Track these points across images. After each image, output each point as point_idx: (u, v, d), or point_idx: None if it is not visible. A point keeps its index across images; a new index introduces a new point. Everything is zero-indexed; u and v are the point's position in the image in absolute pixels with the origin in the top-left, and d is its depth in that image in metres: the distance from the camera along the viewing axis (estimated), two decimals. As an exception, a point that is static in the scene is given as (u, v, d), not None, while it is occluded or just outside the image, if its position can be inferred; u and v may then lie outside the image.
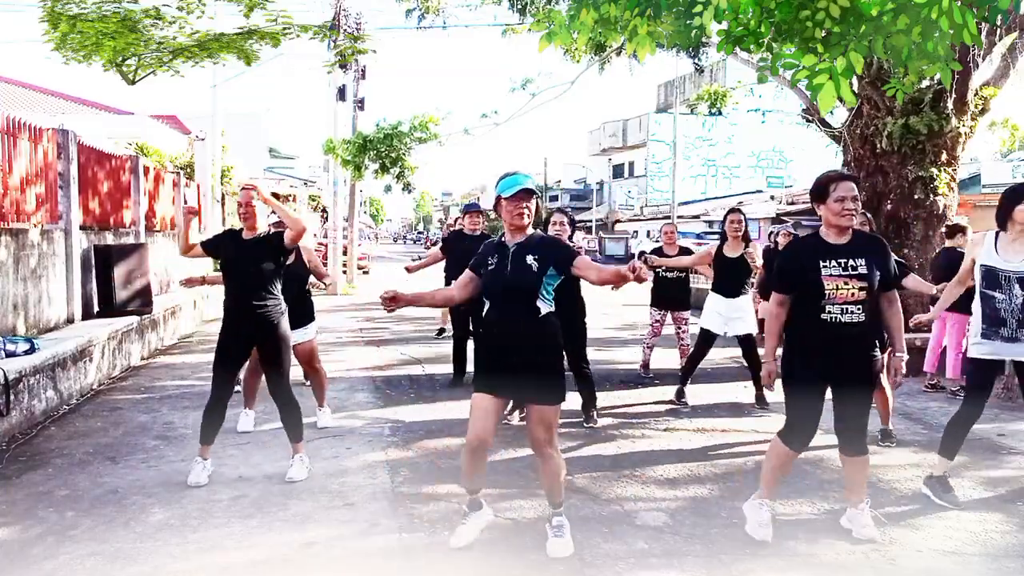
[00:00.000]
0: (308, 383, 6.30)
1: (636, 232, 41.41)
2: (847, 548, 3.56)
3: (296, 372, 6.10)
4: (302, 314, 5.64)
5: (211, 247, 4.66)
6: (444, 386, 7.18)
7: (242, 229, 4.58)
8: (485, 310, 3.52)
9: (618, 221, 46.87)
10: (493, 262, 3.47)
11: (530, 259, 3.38)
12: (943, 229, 7.87)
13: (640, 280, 3.13)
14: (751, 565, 3.37)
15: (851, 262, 3.52)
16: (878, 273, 3.54)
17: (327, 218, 22.14)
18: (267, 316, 4.42)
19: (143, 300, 8.52)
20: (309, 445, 5.12)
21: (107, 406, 6.29)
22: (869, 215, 5.56)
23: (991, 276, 4.16)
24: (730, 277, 6.59)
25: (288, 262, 5.57)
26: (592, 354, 9.36)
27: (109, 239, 9.16)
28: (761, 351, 4.19)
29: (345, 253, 20.13)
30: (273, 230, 4.76)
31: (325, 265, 6.11)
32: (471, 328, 7.27)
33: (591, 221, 48.84)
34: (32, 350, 5.88)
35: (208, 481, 4.36)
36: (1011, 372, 6.86)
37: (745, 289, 6.65)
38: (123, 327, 7.84)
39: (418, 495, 4.20)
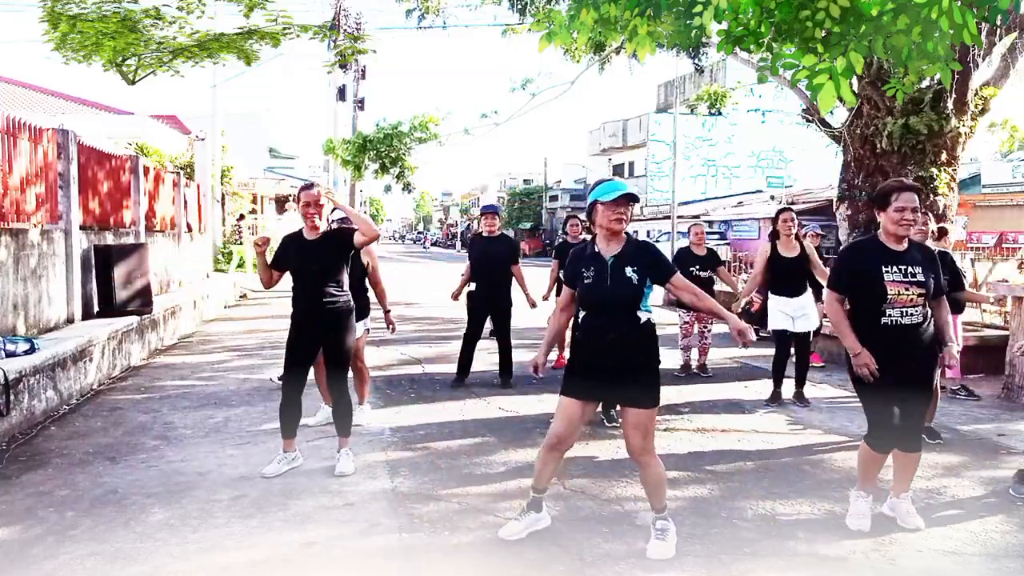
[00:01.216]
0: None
1: (636, 232, 41.42)
2: (847, 548, 3.56)
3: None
4: (356, 309, 5.69)
5: (283, 263, 4.64)
6: (445, 386, 7.18)
7: (301, 231, 4.59)
8: (583, 317, 3.54)
9: (618, 221, 46.80)
10: (590, 275, 3.44)
11: (629, 271, 3.38)
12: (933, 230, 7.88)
13: (746, 346, 3.40)
14: (751, 565, 3.37)
15: (911, 269, 3.66)
16: (932, 282, 3.71)
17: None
18: (336, 311, 4.51)
19: (143, 300, 8.52)
20: (309, 445, 5.13)
21: (107, 406, 6.29)
22: (929, 216, 5.73)
23: None
24: (791, 276, 6.57)
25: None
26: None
27: (109, 239, 9.15)
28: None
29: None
30: (338, 226, 4.84)
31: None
32: (483, 326, 7.33)
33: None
34: (32, 350, 5.88)
35: (283, 472, 4.54)
36: (1009, 373, 6.88)
37: (806, 286, 6.65)
38: (123, 327, 7.84)
39: (418, 495, 4.20)
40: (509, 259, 7.23)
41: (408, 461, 4.84)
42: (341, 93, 18.94)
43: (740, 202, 34.11)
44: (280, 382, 6.69)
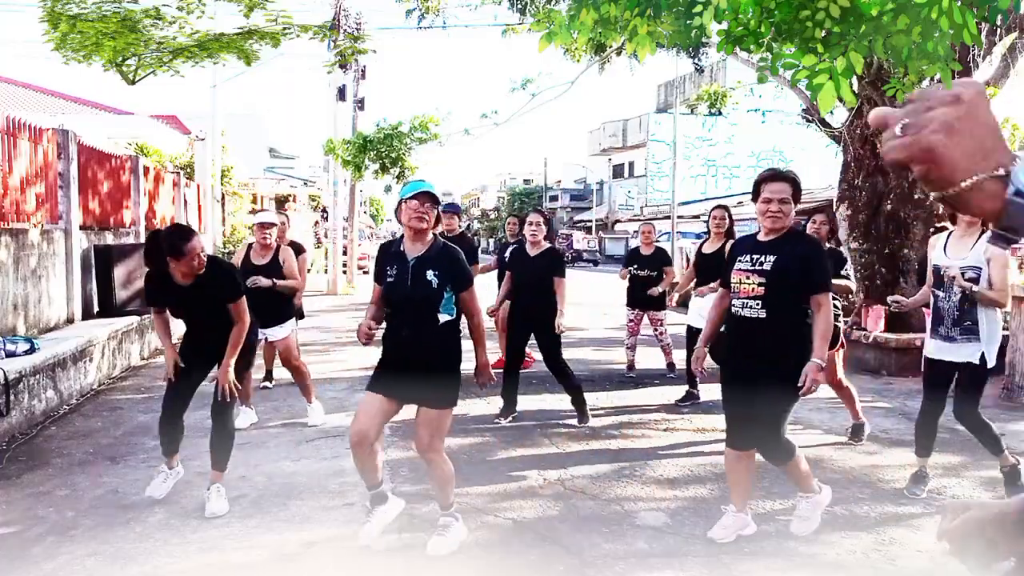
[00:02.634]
0: (271, 384, 6.41)
1: (636, 232, 41.42)
2: (847, 548, 3.56)
3: (283, 372, 6.10)
4: (280, 311, 5.72)
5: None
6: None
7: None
8: (387, 313, 3.53)
9: (618, 221, 46.86)
10: (393, 273, 3.45)
11: (430, 274, 3.39)
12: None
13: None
14: (751, 565, 3.37)
15: (762, 258, 3.43)
16: (792, 273, 3.37)
17: (327, 218, 22.15)
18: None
19: (143, 300, 8.53)
20: (309, 444, 5.13)
21: (107, 406, 6.29)
22: (831, 215, 5.57)
23: (936, 274, 4.18)
24: (710, 273, 6.13)
25: (265, 262, 5.66)
26: (591, 354, 9.40)
27: (109, 239, 9.15)
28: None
29: (345, 253, 20.13)
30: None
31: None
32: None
33: (591, 221, 48.83)
34: (32, 350, 5.88)
35: (169, 490, 4.22)
36: (1009, 373, 6.87)
37: None
38: (123, 327, 7.84)
39: (418, 495, 4.20)
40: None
41: (408, 461, 4.84)
42: (341, 93, 18.91)
43: (740, 202, 34.08)
44: (264, 387, 6.72)
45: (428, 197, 3.40)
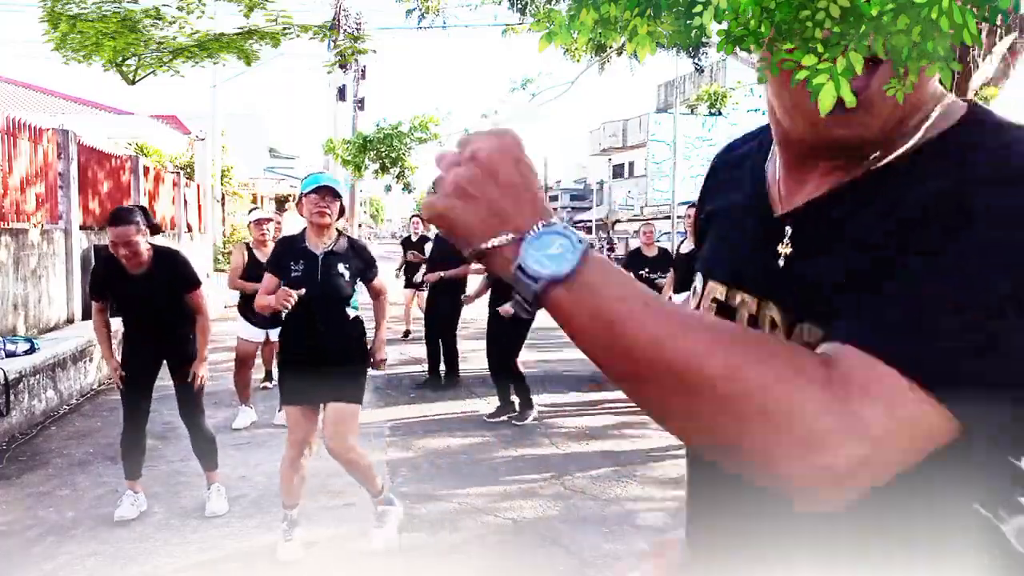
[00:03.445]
0: (271, 384, 6.41)
1: (636, 232, 41.43)
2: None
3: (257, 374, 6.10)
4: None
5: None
6: (445, 386, 7.18)
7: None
8: (287, 313, 3.37)
9: (618, 221, 46.87)
10: (299, 269, 3.38)
11: (342, 268, 3.40)
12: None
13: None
14: (751, 565, 3.36)
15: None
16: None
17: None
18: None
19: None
20: (309, 445, 5.12)
21: (107, 406, 6.29)
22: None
23: None
24: (689, 274, 6.51)
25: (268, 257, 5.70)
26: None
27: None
28: None
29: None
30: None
31: None
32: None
33: (591, 221, 48.85)
34: (32, 350, 5.88)
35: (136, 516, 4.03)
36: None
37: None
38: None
39: (418, 495, 4.20)
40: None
41: (408, 461, 4.84)
42: (341, 93, 18.93)
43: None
44: (264, 387, 6.74)
45: (328, 191, 3.39)
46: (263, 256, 5.77)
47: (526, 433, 5.53)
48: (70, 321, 7.69)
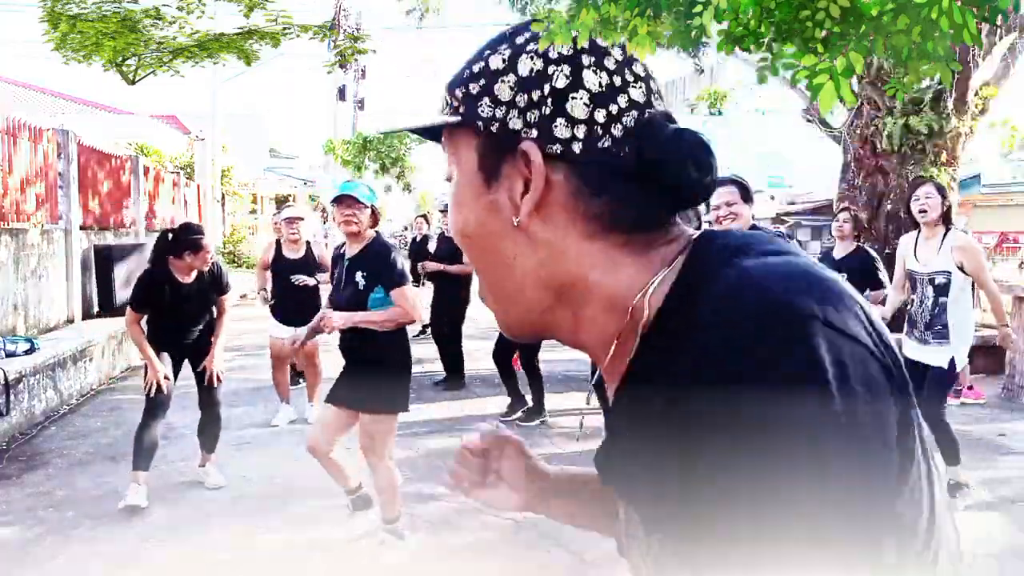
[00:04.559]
0: (300, 382, 6.37)
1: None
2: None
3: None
4: (314, 309, 5.75)
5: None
6: (448, 387, 7.18)
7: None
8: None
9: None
10: (335, 275, 3.53)
11: (359, 276, 3.38)
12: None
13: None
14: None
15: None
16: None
17: (327, 218, 22.15)
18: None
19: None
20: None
21: (107, 406, 6.29)
22: (855, 215, 5.45)
23: (911, 279, 4.21)
24: None
25: (299, 256, 5.71)
26: (592, 354, 9.36)
27: (109, 239, 9.15)
28: None
29: (345, 253, 20.17)
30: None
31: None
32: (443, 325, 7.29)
33: (591, 221, 48.83)
34: (32, 350, 5.88)
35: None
36: (1009, 373, 6.87)
37: None
38: (123, 327, 7.84)
39: (418, 495, 4.20)
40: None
41: (408, 461, 4.84)
42: (341, 93, 18.93)
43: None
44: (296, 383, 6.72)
45: (349, 200, 3.36)
46: (291, 253, 5.78)
47: (526, 433, 5.53)
48: (70, 321, 7.69)
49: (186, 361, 4.39)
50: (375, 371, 3.33)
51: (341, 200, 3.37)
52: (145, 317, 4.19)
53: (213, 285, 4.29)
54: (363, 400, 3.37)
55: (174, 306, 4.17)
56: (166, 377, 4.12)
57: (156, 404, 4.15)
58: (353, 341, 3.41)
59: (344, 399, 3.42)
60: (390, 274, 3.35)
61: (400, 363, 3.44)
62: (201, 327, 4.34)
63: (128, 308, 4.19)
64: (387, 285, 3.35)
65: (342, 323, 3.25)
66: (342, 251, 3.54)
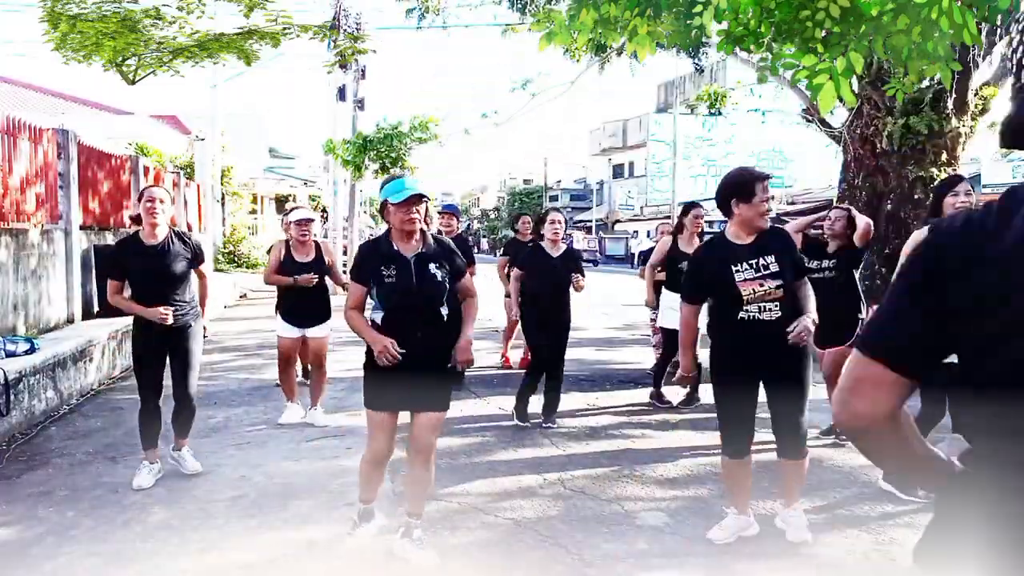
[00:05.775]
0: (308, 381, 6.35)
1: (636, 232, 41.42)
2: (847, 548, 3.56)
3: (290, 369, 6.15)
4: (323, 310, 5.83)
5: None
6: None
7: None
8: (382, 317, 3.34)
9: (618, 221, 46.87)
10: (392, 273, 3.29)
11: (434, 268, 3.34)
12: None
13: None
14: (751, 565, 3.37)
15: (760, 261, 3.43)
16: (789, 268, 3.46)
17: (327, 218, 22.15)
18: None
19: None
20: (309, 445, 5.13)
21: (107, 406, 6.29)
22: (849, 212, 5.25)
23: None
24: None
25: (309, 259, 5.68)
26: (592, 354, 9.39)
27: (109, 239, 9.16)
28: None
29: (345, 253, 20.15)
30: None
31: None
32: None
33: (591, 221, 48.85)
34: (32, 350, 5.88)
35: (152, 484, 4.37)
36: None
37: None
38: (123, 327, 7.83)
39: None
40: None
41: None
42: (341, 93, 18.88)
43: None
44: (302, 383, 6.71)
45: (419, 199, 3.29)
46: (300, 256, 5.73)
47: (526, 433, 5.53)
48: (70, 321, 7.69)
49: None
50: (440, 369, 3.40)
51: (418, 198, 3.29)
52: (128, 291, 4.39)
53: (184, 247, 4.44)
54: (443, 399, 3.43)
55: (147, 268, 4.33)
56: (167, 314, 4.26)
57: (144, 381, 4.39)
58: (438, 340, 3.36)
59: (423, 402, 3.37)
60: (461, 263, 3.50)
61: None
62: (180, 301, 4.38)
63: (108, 282, 4.46)
64: (462, 273, 3.47)
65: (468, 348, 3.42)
66: (394, 250, 3.33)
